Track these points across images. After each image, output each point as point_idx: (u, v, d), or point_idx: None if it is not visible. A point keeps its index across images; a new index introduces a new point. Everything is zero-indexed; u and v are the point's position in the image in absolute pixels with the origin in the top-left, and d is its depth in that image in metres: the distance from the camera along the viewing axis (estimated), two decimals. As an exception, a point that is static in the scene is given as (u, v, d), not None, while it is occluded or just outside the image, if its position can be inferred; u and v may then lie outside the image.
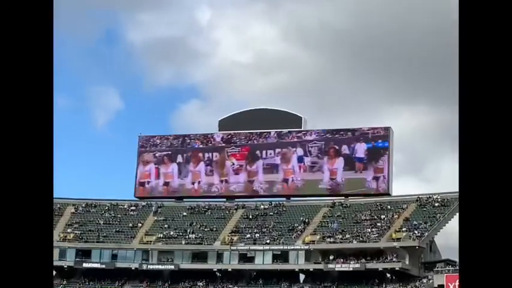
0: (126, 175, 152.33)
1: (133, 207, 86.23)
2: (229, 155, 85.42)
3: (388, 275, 70.60)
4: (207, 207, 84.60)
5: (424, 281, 70.50)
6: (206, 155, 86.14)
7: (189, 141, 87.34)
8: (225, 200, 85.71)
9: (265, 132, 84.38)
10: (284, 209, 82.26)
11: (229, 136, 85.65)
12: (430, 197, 77.72)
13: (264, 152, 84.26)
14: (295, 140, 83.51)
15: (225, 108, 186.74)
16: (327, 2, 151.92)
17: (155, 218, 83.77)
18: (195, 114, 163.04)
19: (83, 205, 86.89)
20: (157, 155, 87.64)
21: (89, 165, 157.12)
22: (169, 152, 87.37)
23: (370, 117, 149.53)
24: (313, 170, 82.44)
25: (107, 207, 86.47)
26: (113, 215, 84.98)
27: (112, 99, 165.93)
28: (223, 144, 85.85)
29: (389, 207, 77.80)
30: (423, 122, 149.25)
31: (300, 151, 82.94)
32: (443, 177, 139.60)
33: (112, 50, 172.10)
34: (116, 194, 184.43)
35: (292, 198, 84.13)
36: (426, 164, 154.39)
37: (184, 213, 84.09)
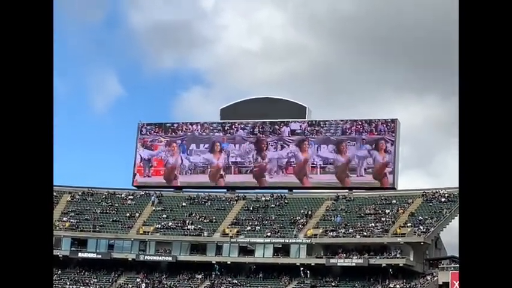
0: (125, 163, 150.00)
1: (131, 197, 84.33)
2: (229, 144, 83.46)
3: (392, 271, 68.75)
4: (206, 197, 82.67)
5: (429, 278, 68.75)
6: (206, 144, 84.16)
7: (189, 129, 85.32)
8: (225, 190, 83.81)
9: (266, 122, 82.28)
10: (286, 201, 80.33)
11: (230, 125, 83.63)
12: (436, 191, 75.66)
13: (264, 142, 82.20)
14: (298, 130, 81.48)
15: (229, 97, 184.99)
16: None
17: (153, 208, 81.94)
18: (198, 101, 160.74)
19: (80, 193, 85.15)
20: (156, 143, 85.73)
21: (87, 152, 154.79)
22: (169, 141, 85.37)
23: (377, 108, 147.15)
24: (314, 160, 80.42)
25: (104, 196, 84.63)
26: (110, 204, 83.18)
27: (112, 85, 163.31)
28: (224, 134, 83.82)
29: (394, 201, 75.82)
30: (432, 114, 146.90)
31: (301, 142, 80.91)
32: (451, 171, 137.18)
33: (113, 34, 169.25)
34: (114, 182, 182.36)
35: (294, 190, 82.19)
36: (433, 157, 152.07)
37: (184, 204, 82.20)
